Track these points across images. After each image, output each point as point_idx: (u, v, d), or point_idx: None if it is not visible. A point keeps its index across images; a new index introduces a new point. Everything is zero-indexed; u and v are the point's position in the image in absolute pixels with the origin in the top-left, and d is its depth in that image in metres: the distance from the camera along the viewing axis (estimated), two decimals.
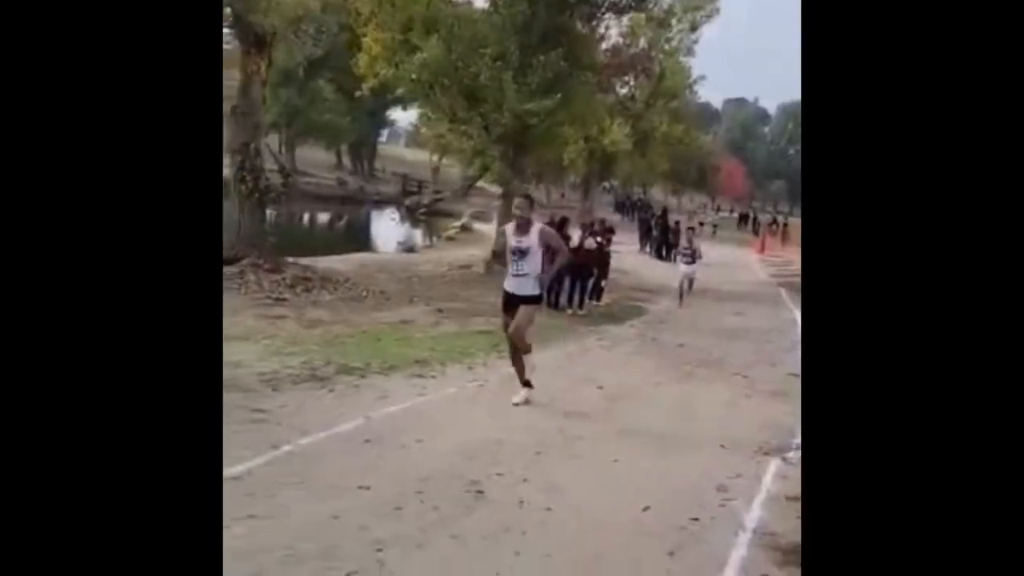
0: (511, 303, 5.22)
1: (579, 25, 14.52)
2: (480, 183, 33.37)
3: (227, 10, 10.64)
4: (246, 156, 10.94)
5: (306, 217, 29.73)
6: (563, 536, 3.21)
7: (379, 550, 2.93)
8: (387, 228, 30.57)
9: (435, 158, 42.90)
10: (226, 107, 10.62)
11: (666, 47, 26.49)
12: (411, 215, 33.48)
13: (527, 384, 5.24)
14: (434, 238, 25.14)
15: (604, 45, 19.99)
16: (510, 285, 5.23)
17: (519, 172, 15.00)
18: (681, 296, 12.19)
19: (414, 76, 13.17)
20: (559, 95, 12.72)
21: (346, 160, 48.01)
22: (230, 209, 10.84)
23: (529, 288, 5.16)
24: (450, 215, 29.73)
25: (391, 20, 13.18)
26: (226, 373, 5.17)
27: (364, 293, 10.38)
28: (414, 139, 68.84)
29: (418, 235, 28.70)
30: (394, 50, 13.43)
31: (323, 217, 30.97)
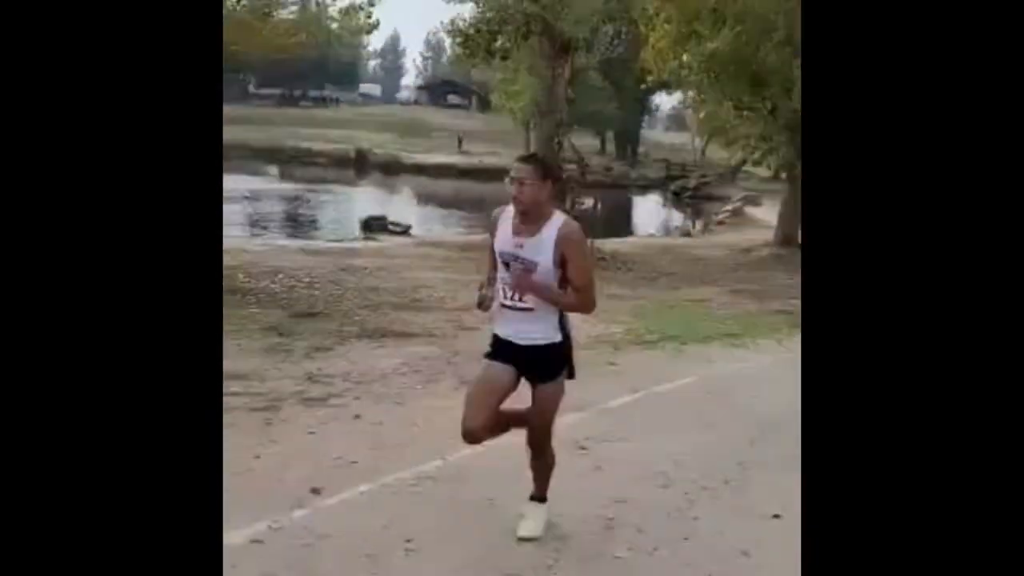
0: (509, 357, 2.78)
1: None
2: (747, 167, 32.63)
3: (535, 17, 12.00)
4: (548, 151, 12.31)
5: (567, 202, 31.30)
6: None
7: (744, 470, 3.69)
8: (649, 213, 31.19)
9: (698, 142, 42.62)
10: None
11: None
12: (677, 199, 33.77)
13: (542, 498, 2.96)
14: (698, 223, 25.26)
15: None
16: (505, 328, 2.80)
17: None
18: None
19: (700, 65, 13.66)
20: None
21: (610, 146, 49.43)
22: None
23: (539, 332, 2.76)
24: (716, 199, 29.55)
25: (679, 13, 13.76)
26: (573, 335, 6.26)
27: (654, 274, 11.21)
28: (674, 123, 68.41)
29: (678, 219, 28.92)
30: (680, 42, 14.02)
31: (586, 203, 32.41)
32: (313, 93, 62.91)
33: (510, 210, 2.73)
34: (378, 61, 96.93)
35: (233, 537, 2.65)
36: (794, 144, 14.20)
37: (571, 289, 2.70)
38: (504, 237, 2.73)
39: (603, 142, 49.42)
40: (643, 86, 33.82)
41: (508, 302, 2.72)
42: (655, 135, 60.42)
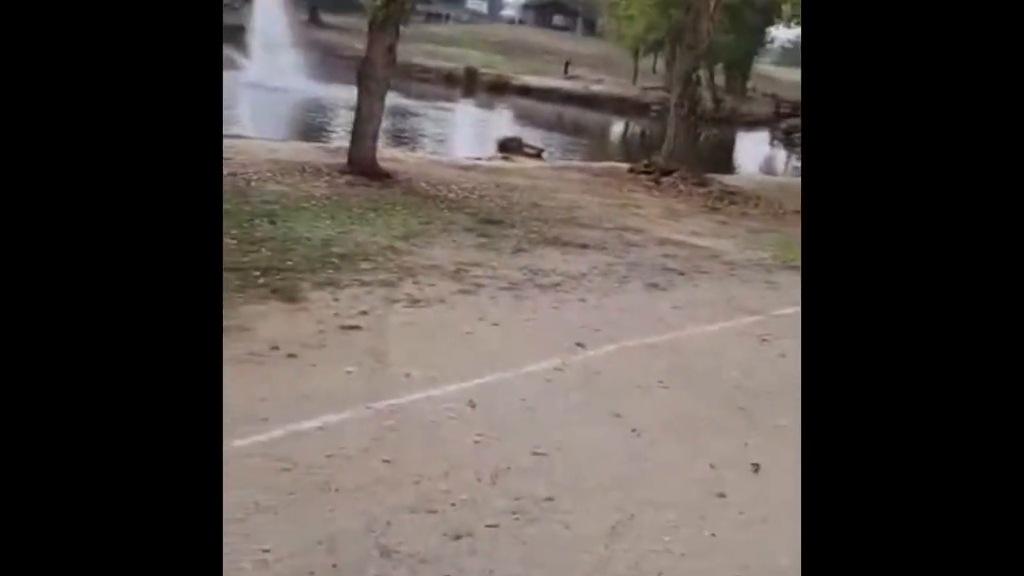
0: None
1: None
2: None
3: None
4: (688, 84, 12.90)
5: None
6: None
7: None
8: (753, 151, 30.95)
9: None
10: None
11: None
12: (787, 139, 33.31)
13: None
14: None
15: None
16: None
17: None
18: None
19: None
20: None
21: (719, 79, 48.39)
22: (659, 128, 12.94)
23: None
24: None
25: None
26: (729, 257, 7.24)
27: (780, 210, 11.87)
28: (786, 57, 65.63)
29: (781, 159, 28.65)
30: None
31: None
32: (422, 7, 63.29)
33: None
34: None
35: (537, 366, 3.83)
36: None
37: None
38: None
39: (711, 73, 48.36)
40: (766, 16, 32.59)
41: None
42: (765, 68, 58.42)
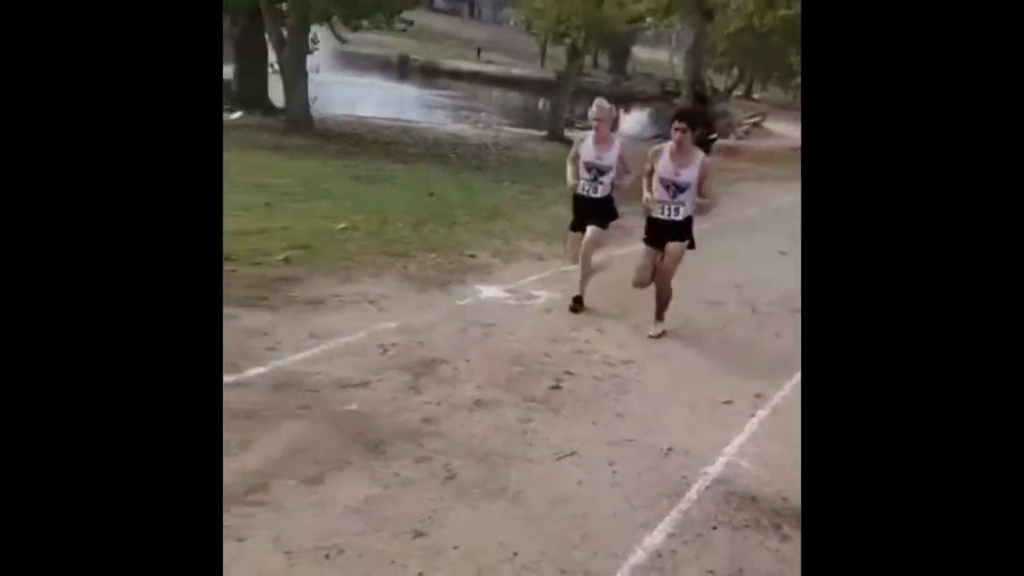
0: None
1: None
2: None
3: None
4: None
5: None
6: None
7: None
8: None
9: (676, 59, 47.69)
10: None
11: None
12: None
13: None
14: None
15: None
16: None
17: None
18: None
19: None
20: None
21: (602, 59, 54.29)
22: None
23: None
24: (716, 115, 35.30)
25: None
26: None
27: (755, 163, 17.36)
28: (651, 41, 72.94)
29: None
30: None
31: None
32: None
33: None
34: None
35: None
36: None
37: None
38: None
39: (595, 57, 54.06)
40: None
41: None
42: (636, 51, 65.13)
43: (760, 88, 34.83)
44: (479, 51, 48.46)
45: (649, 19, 19.58)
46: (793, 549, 2.89)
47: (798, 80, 23.99)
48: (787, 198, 11.28)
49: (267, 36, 13.35)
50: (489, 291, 5.69)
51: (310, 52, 13.32)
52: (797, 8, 18.09)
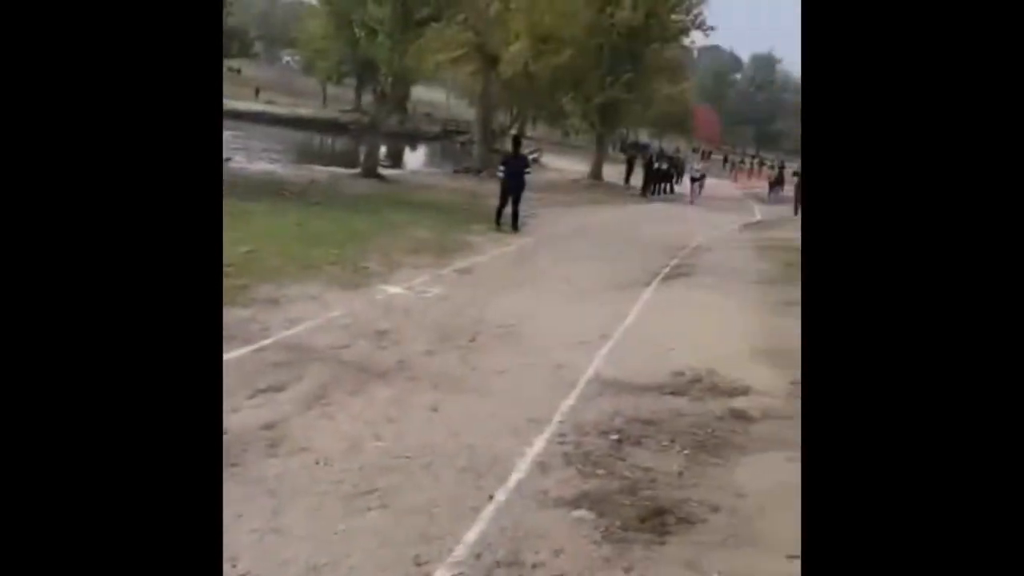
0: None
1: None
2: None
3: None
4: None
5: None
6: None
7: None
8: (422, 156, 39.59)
9: (452, 99, 51.12)
10: None
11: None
12: (463, 149, 42.66)
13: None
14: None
15: None
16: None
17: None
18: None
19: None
20: None
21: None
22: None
23: None
24: (493, 151, 39.02)
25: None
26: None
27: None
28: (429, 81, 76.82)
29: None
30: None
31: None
32: None
33: None
34: None
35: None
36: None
37: None
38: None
39: (358, 94, 55.85)
40: None
41: None
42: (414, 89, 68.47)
43: (532, 127, 39.21)
44: (257, 91, 48.38)
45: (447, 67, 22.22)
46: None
47: (568, 120, 28.06)
48: (588, 219, 14.11)
49: None
50: (393, 289, 7.42)
51: None
52: (565, 56, 21.47)
